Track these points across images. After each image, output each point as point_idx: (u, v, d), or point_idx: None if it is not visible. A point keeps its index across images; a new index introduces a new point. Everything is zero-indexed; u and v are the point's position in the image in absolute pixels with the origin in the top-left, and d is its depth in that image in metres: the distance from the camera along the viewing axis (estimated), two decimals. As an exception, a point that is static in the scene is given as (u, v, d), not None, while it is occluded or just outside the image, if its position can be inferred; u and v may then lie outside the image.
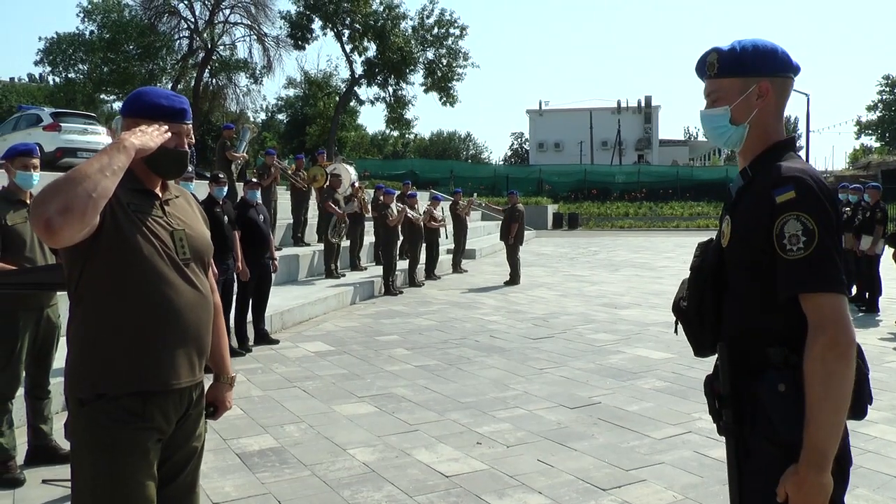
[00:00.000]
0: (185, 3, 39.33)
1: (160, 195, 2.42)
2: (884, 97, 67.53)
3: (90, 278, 2.23)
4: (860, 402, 1.92)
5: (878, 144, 65.30)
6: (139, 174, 2.35)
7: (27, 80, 60.59)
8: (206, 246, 2.50)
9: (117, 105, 52.08)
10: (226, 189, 8.10)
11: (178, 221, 2.41)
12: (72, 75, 40.00)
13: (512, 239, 15.08)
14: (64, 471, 4.71)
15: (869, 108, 68.19)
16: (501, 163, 73.18)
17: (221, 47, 41.15)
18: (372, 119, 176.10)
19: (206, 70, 40.53)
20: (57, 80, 41.42)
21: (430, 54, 44.68)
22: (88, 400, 2.21)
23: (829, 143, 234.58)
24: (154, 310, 2.26)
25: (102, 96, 43.06)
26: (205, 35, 39.25)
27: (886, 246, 11.01)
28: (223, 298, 7.95)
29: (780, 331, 1.93)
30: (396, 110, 44.92)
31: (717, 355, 2.09)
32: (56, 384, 4.86)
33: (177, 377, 2.32)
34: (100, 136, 18.21)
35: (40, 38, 62.47)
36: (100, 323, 2.23)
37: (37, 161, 4.76)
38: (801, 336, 1.87)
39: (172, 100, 2.43)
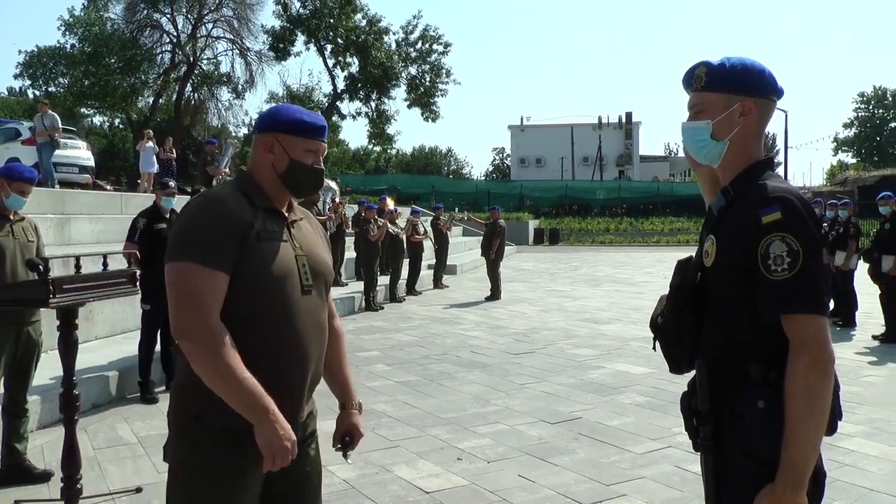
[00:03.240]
0: (168, 16, 39.40)
1: (287, 216, 2.34)
2: (859, 114, 68.55)
3: None
4: (832, 419, 1.93)
5: (854, 161, 66.12)
6: (269, 192, 2.29)
7: (6, 93, 60.18)
8: (328, 271, 2.40)
9: (98, 119, 51.94)
10: (206, 204, 8.05)
11: (302, 245, 2.31)
12: (52, 89, 39.81)
13: (493, 254, 15.10)
14: (37, 491, 4.66)
15: (845, 125, 69.27)
16: (483, 178, 73.38)
17: (204, 61, 41.16)
18: (354, 134, 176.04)
19: (188, 84, 40.48)
20: (37, 93, 41.19)
21: (412, 70, 44.87)
22: (194, 424, 2.14)
23: (807, 159, 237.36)
24: (272, 337, 2.16)
25: (83, 110, 42.87)
26: (187, 49, 39.27)
27: (861, 261, 11.13)
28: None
29: (760, 348, 1.93)
30: (378, 125, 45.01)
31: (693, 372, 2.09)
32: (34, 402, 4.81)
33: (297, 409, 2.26)
34: (80, 151, 18.10)
35: (20, 52, 62.36)
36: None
37: (33, 188, 4.80)
38: (780, 354, 1.88)
39: (314, 116, 2.35)
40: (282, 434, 2.06)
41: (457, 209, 22.62)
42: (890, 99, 67.89)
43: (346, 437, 2.48)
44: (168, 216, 7.20)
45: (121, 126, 53.30)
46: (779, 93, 2.11)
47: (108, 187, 23.92)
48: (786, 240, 1.87)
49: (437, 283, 16.93)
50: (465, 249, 24.43)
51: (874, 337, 10.06)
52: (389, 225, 14.47)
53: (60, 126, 15.65)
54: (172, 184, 7.52)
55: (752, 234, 1.91)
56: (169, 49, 40.20)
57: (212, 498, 2.13)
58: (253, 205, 2.21)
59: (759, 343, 1.94)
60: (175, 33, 39.66)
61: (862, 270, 11.20)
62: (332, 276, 2.44)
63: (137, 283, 4.45)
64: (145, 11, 38.58)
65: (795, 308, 1.85)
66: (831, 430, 1.94)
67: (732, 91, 2.05)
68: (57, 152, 16.09)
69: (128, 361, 7.27)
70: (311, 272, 2.28)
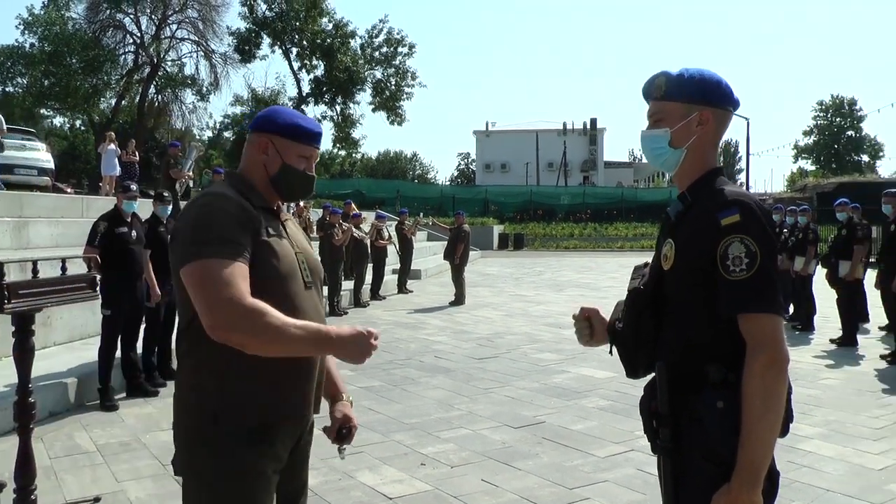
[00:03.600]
0: (131, 17, 38.85)
1: (280, 215, 2.34)
2: (818, 122, 69.80)
3: None
4: (784, 421, 1.97)
5: (813, 168, 67.30)
6: (263, 192, 2.28)
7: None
8: (321, 269, 2.41)
9: (59, 120, 51.09)
10: (170, 208, 7.97)
11: (296, 243, 2.31)
12: (10, 89, 39.04)
13: (458, 259, 15.11)
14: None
15: (805, 133, 70.44)
16: (448, 183, 73.42)
17: (168, 63, 40.67)
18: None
19: (152, 85, 39.96)
20: (-6, 92, 40.38)
21: (377, 73, 44.81)
22: (213, 426, 2.09)
23: (769, 166, 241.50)
24: None
25: (43, 111, 42.10)
26: (151, 50, 38.75)
27: (819, 266, 11.33)
28: (167, 320, 7.81)
29: (719, 350, 1.96)
30: (344, 129, 44.86)
31: (652, 375, 2.12)
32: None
33: (307, 407, 2.26)
34: (39, 153, 17.75)
35: (-24, 50, 61.05)
36: (233, 351, 2.03)
37: None
38: (739, 356, 1.92)
39: (310, 122, 2.35)
40: (356, 338, 2.14)
41: (421, 214, 22.61)
42: (847, 108, 69.27)
43: (344, 430, 2.45)
44: (129, 220, 7.11)
45: (82, 128, 52.50)
46: (735, 103, 2.16)
47: (69, 190, 23.55)
48: (744, 241, 1.91)
49: (402, 287, 16.90)
50: (430, 254, 24.40)
51: (832, 340, 10.22)
52: (354, 229, 14.42)
53: (4, 127, 15.24)
54: (134, 187, 7.42)
55: (711, 236, 1.95)
56: (132, 50, 39.63)
57: (240, 498, 2.10)
58: (251, 204, 2.19)
59: (717, 345, 1.97)
60: (138, 34, 39.13)
61: (820, 275, 11.40)
62: (322, 274, 2.45)
63: (97, 289, 4.39)
64: (108, 11, 37.95)
65: (752, 308, 1.90)
66: (784, 431, 1.97)
67: (691, 101, 2.10)
68: (15, 154, 15.77)
69: (87, 368, 7.15)
70: (310, 269, 2.31)
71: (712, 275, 1.94)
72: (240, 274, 2.02)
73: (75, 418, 6.48)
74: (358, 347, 2.14)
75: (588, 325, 2.42)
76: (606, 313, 2.43)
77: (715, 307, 1.94)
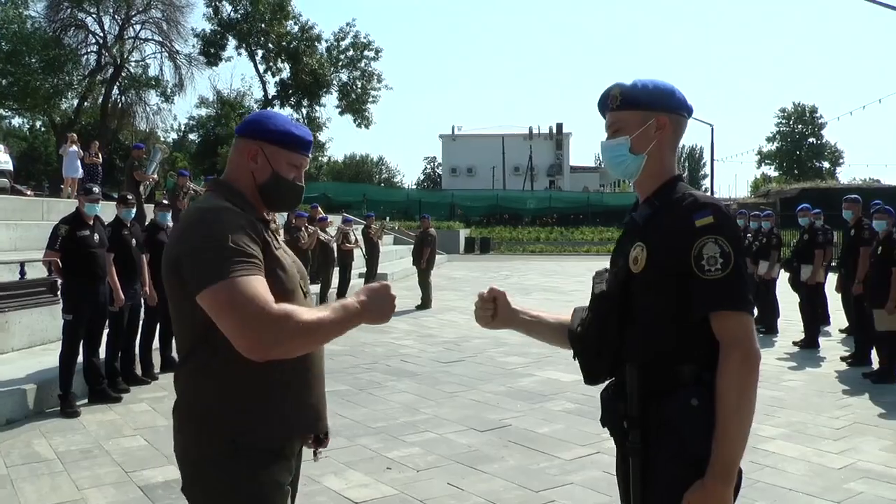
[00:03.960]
0: (94, 16, 38.22)
1: (270, 225, 2.26)
2: (781, 129, 70.88)
3: None
4: None
5: (776, 174, 68.32)
6: (253, 202, 2.20)
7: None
8: (307, 277, 2.35)
9: (17, 120, 50.15)
10: (134, 211, 7.86)
11: (288, 253, 2.25)
12: (-36, 87, 38.18)
13: (424, 263, 15.09)
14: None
15: (768, 139, 71.50)
16: (414, 187, 73.40)
17: (131, 63, 40.09)
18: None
19: (115, 86, 39.37)
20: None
21: (343, 76, 44.68)
22: (232, 448, 2.03)
23: (733, 172, 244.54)
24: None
25: (1, 111, 41.23)
26: (114, 50, 38.17)
27: (782, 270, 11.49)
28: (130, 325, 7.70)
29: (691, 350, 2.00)
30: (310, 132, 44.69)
31: (613, 378, 2.15)
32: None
33: (320, 419, 2.23)
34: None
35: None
36: (247, 368, 1.97)
37: None
38: (711, 354, 1.96)
39: (302, 129, 2.27)
40: (377, 295, 2.15)
41: (388, 218, 22.53)
42: (808, 115, 70.41)
43: (321, 435, 2.40)
44: (91, 223, 6.99)
45: (42, 129, 51.60)
46: (689, 109, 2.22)
47: (29, 192, 23.17)
48: (718, 242, 1.96)
49: (369, 291, 16.80)
50: (396, 258, 24.35)
51: (795, 343, 10.38)
52: (320, 233, 14.34)
53: None
54: (97, 190, 7.30)
55: (685, 237, 1.99)
56: (95, 50, 38.99)
57: None
58: (250, 215, 2.12)
59: (690, 345, 2.00)
60: (101, 34, 38.55)
61: (783, 279, 11.57)
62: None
63: (58, 293, 4.32)
64: (69, 10, 37.30)
65: (726, 306, 1.95)
66: None
67: (647, 108, 2.15)
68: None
69: (47, 374, 7.01)
70: (303, 277, 2.27)
71: (685, 276, 1.98)
72: (262, 287, 1.95)
73: (34, 425, 6.35)
74: (382, 304, 2.15)
75: (492, 307, 2.45)
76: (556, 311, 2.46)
77: (687, 308, 1.98)
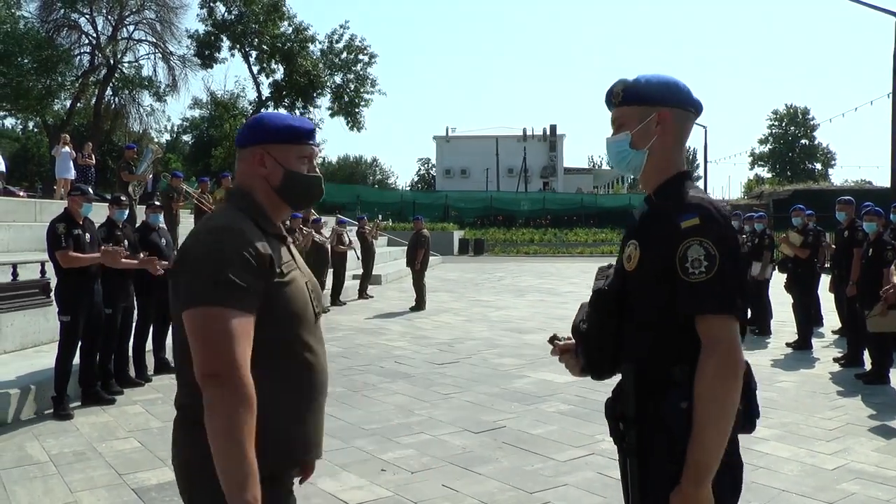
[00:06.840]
0: (87, 17, 38.12)
1: (285, 237, 2.19)
2: (773, 131, 71.20)
3: None
4: (750, 417, 2.03)
5: (769, 175, 68.56)
6: (269, 211, 2.14)
7: None
8: (321, 291, 2.27)
9: (10, 121, 50.01)
10: (127, 212, 7.82)
11: (301, 268, 2.17)
12: (-44, 89, 38.01)
13: (418, 264, 15.09)
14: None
15: (761, 141, 71.81)
16: (408, 188, 73.40)
17: (125, 64, 39.99)
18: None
19: (109, 87, 39.26)
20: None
21: (337, 79, 44.66)
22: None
23: (726, 173, 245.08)
24: (306, 374, 2.11)
25: (-8, 112, 41.07)
26: (107, 51, 38.05)
27: (776, 271, 11.52)
28: (123, 325, 7.66)
29: (684, 351, 1.99)
30: (303, 134, 44.63)
31: (618, 377, 2.14)
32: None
33: (319, 445, 2.19)
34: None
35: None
36: (264, 394, 1.91)
37: None
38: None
39: (301, 120, 2.21)
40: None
41: (380, 217, 22.50)
42: (800, 117, 70.74)
43: None
44: (82, 222, 6.94)
45: (35, 130, 51.45)
46: (695, 104, 2.20)
47: (22, 193, 23.11)
48: (703, 244, 1.94)
49: (362, 293, 16.83)
50: (390, 259, 24.35)
51: (788, 344, 10.40)
52: (314, 234, 14.33)
53: None
54: (90, 190, 7.26)
55: (671, 238, 1.98)
56: (88, 51, 38.87)
57: None
58: (265, 232, 2.06)
59: (682, 346, 1.99)
60: (94, 34, 38.44)
61: (776, 280, 11.60)
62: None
63: (51, 294, 4.30)
64: (62, 11, 37.21)
65: (708, 309, 1.93)
66: (751, 427, 2.04)
67: (648, 102, 2.14)
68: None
69: (39, 376, 6.98)
70: (316, 297, 2.20)
71: (673, 276, 1.97)
72: (244, 332, 1.89)
73: (27, 428, 6.32)
74: None
75: (573, 356, 2.39)
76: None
77: (677, 308, 1.97)
